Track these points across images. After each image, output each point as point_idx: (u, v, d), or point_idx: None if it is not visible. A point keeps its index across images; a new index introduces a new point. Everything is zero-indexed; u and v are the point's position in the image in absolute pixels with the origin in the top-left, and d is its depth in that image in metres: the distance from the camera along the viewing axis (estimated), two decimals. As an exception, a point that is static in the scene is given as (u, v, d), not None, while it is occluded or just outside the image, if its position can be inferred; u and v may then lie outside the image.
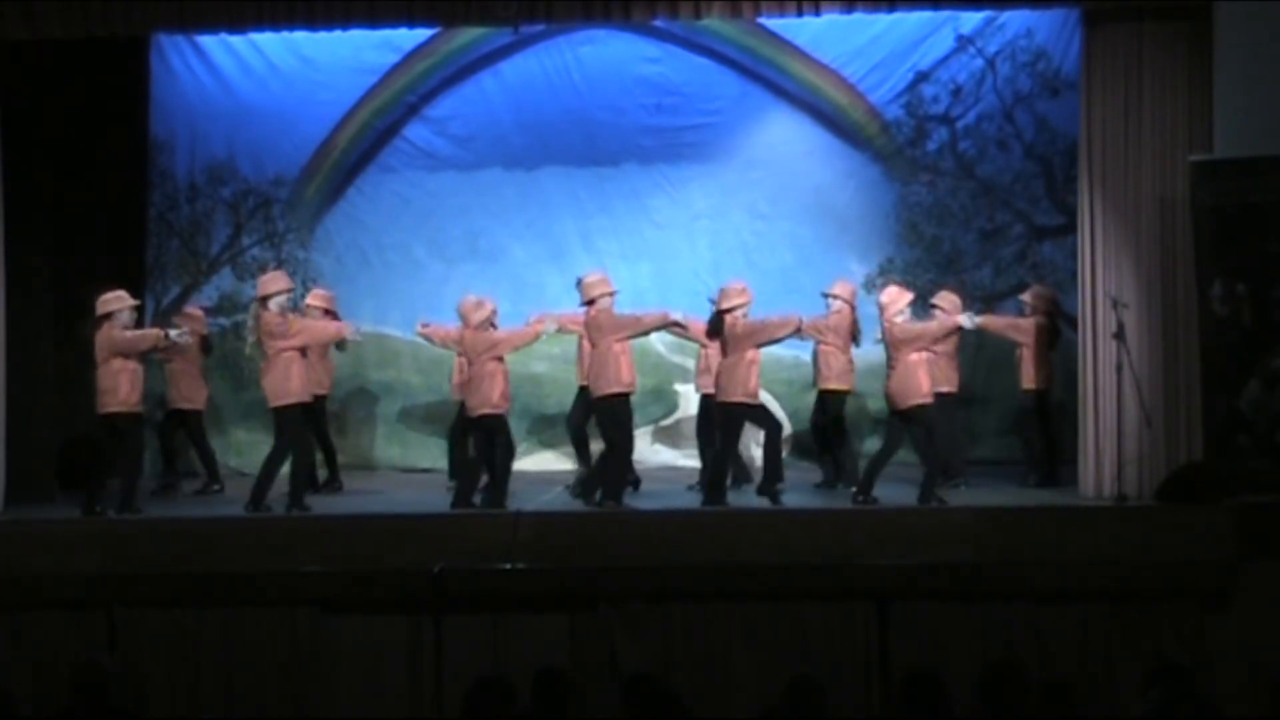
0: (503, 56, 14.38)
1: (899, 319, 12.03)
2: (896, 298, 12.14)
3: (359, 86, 14.41)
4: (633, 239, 14.43)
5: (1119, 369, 11.75)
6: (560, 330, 12.57)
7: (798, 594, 10.70)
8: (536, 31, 13.86)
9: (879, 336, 12.95)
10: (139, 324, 14.10)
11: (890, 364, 12.10)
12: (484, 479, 12.12)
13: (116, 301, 12.09)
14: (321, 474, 13.22)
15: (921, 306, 12.77)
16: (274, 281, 12.24)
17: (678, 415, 13.91)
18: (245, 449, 14.37)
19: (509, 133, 14.47)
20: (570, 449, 13.47)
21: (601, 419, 12.13)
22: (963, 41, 14.07)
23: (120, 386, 11.95)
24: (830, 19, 12.85)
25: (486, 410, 11.97)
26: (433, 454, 13.87)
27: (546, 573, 10.89)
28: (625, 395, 12.01)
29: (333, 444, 13.47)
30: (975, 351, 13.44)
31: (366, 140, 14.52)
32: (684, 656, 10.69)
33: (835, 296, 12.68)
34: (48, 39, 12.16)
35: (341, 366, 14.10)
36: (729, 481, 12.31)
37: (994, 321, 12.86)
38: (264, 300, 12.01)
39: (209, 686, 10.84)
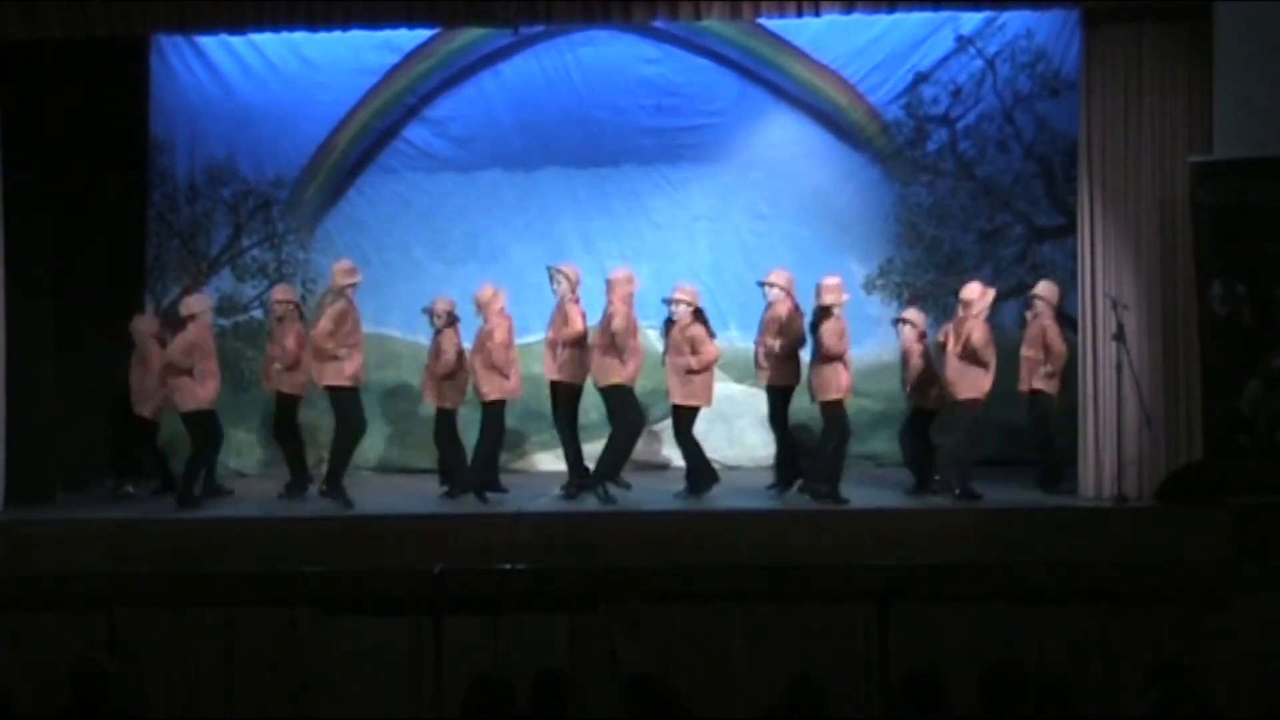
0: (503, 57, 14.37)
1: (983, 319, 12.18)
2: (981, 295, 12.21)
3: (359, 87, 14.39)
4: (632, 240, 14.42)
5: (1119, 369, 11.76)
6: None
7: (798, 594, 10.70)
8: (536, 32, 13.84)
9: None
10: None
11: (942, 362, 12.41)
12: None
13: (198, 304, 12.85)
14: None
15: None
16: (352, 273, 12.86)
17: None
18: (245, 449, 14.37)
19: (509, 134, 14.46)
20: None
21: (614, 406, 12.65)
22: (963, 42, 14.05)
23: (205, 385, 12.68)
24: (830, 20, 12.86)
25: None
26: (433, 454, 13.84)
27: (546, 573, 10.90)
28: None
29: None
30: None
31: (366, 141, 14.51)
32: (684, 656, 10.70)
33: (772, 285, 12.68)
34: (48, 39, 12.16)
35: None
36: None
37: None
38: (342, 290, 12.75)
39: (209, 686, 10.85)
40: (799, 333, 12.61)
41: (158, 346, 13.15)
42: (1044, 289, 12.68)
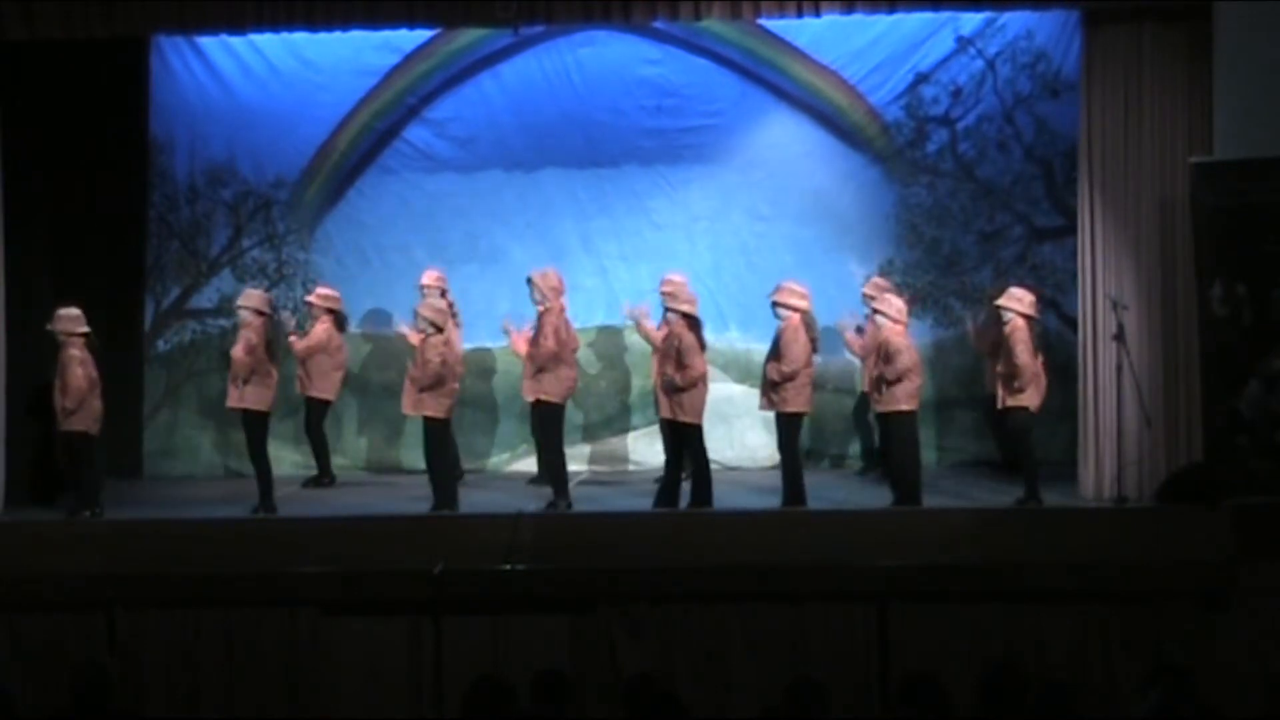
0: (503, 58, 14.38)
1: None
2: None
3: (359, 88, 14.41)
4: (632, 240, 14.43)
5: (1119, 370, 11.76)
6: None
7: (798, 594, 10.69)
8: (536, 33, 13.87)
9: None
10: (138, 326, 14.27)
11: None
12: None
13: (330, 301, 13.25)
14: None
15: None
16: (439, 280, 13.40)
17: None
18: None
19: (509, 134, 14.47)
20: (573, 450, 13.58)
21: None
22: (963, 43, 14.06)
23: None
24: (830, 20, 12.88)
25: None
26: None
27: (547, 574, 10.89)
28: None
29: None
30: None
31: (366, 142, 14.52)
32: (684, 657, 10.68)
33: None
34: (48, 39, 12.17)
35: (342, 367, 14.15)
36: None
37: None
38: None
39: (209, 686, 10.81)
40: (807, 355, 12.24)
41: (85, 351, 12.25)
42: (1014, 298, 12.18)
